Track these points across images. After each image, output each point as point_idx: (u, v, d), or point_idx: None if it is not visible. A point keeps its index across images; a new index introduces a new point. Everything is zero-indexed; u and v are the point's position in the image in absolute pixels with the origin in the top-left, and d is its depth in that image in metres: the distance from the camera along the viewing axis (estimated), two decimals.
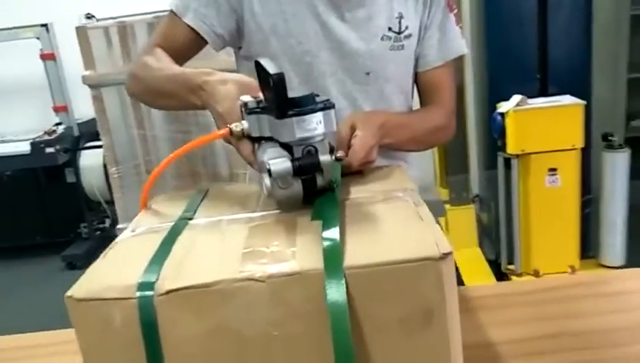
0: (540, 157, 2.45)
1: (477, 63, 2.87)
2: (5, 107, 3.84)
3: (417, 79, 1.11)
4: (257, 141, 0.75)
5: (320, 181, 0.69)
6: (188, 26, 1.03)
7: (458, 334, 0.59)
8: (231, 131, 0.75)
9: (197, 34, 1.04)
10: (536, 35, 2.63)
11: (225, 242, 0.64)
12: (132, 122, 2.63)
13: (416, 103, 1.15)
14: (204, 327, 0.55)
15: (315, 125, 0.68)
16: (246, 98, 0.76)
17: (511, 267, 2.66)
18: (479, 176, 3.12)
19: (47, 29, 3.54)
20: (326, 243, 0.57)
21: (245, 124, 0.74)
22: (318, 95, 0.72)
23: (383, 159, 1.07)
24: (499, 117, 2.46)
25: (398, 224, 0.63)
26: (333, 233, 0.59)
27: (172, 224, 0.71)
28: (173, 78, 0.93)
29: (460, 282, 2.65)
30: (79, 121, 3.58)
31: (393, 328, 0.55)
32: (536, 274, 2.57)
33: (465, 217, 2.98)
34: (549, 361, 0.88)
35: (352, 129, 0.89)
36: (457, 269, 2.75)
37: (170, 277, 0.57)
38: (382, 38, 1.02)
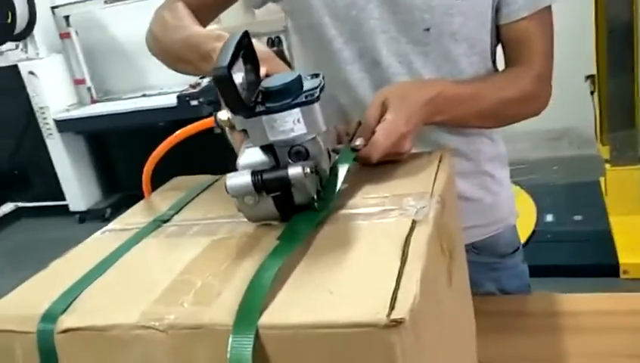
0: None
1: None
2: (156, 62, 4.06)
3: (499, 34, 0.85)
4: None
5: (298, 196, 0.53)
6: None
7: None
8: (216, 121, 0.62)
9: None
10: None
11: (168, 263, 0.52)
12: None
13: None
14: None
15: (291, 124, 0.53)
16: (239, 79, 0.59)
17: None
18: None
19: None
20: (250, 289, 0.43)
21: (229, 113, 0.60)
22: (317, 74, 0.57)
23: (451, 136, 0.87)
24: None
25: (366, 262, 0.46)
26: (267, 275, 0.44)
27: (142, 227, 0.62)
28: (186, 41, 0.80)
29: (614, 257, 2.28)
30: None
31: None
32: None
33: (629, 179, 2.53)
34: None
35: (383, 109, 0.69)
36: (611, 242, 2.37)
37: (77, 311, 0.48)
38: None
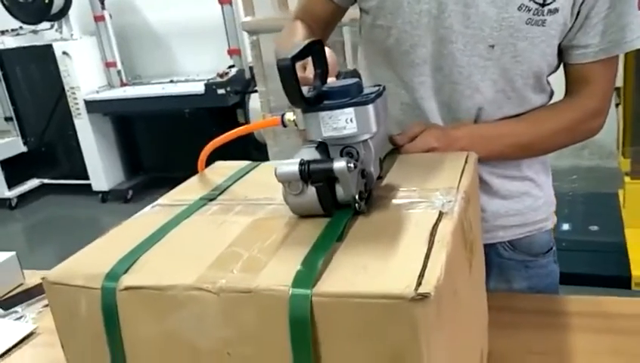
0: None
1: None
2: (186, 49, 4.15)
3: (565, 68, 0.90)
4: None
5: (340, 192, 0.57)
6: None
7: None
8: (283, 121, 0.67)
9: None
10: None
11: (215, 236, 0.58)
12: None
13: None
14: (160, 330, 0.52)
15: (344, 122, 0.57)
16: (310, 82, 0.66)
17: None
18: None
19: None
20: (304, 263, 0.49)
21: (295, 114, 0.64)
22: (379, 85, 0.61)
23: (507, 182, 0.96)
24: None
25: (397, 246, 0.51)
26: (318, 254, 0.50)
27: (191, 203, 0.68)
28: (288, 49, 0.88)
29: (627, 269, 2.31)
30: (252, 64, 3.73)
31: None
32: None
33: None
34: None
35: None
36: (625, 254, 2.40)
37: (137, 272, 0.54)
38: (520, 8, 0.82)
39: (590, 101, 0.89)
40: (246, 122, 3.72)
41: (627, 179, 2.60)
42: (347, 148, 0.59)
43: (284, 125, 0.68)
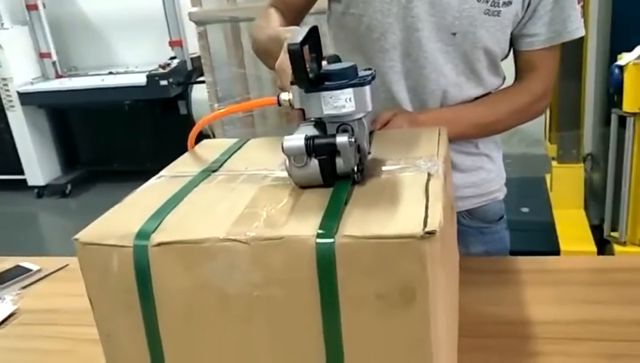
0: None
1: (602, 6, 2.60)
2: (127, 40, 4.09)
3: (515, 54, 1.03)
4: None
5: (340, 164, 0.64)
6: None
7: (445, 318, 0.56)
8: (278, 101, 0.73)
9: None
10: None
11: (230, 200, 0.65)
12: (234, 60, 2.69)
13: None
14: (192, 281, 0.58)
15: (343, 102, 0.64)
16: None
17: (614, 234, 2.46)
18: (593, 133, 2.88)
19: None
20: (323, 219, 0.56)
21: (290, 94, 0.71)
22: (370, 69, 0.68)
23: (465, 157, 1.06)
24: (617, 70, 2.22)
25: (398, 199, 0.60)
26: (333, 212, 0.57)
27: (195, 174, 0.74)
28: (270, 36, 0.94)
29: (555, 245, 2.51)
30: (193, 55, 3.73)
31: (371, 303, 0.54)
32: None
33: (572, 176, 2.77)
34: (581, 348, 0.82)
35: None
36: (554, 232, 2.61)
37: (166, 230, 0.59)
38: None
39: (538, 84, 1.02)
40: (189, 113, 3.72)
41: (554, 164, 2.82)
42: (343, 125, 0.66)
43: (279, 105, 0.75)
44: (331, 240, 0.54)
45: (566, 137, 2.75)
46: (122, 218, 0.64)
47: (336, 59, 0.80)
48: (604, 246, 2.52)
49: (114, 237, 0.59)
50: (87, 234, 0.61)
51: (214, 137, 2.92)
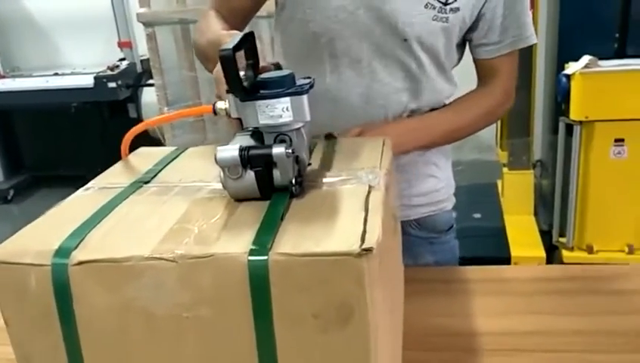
0: (606, 126, 2.26)
1: (550, 16, 2.65)
2: (74, 40, 3.96)
3: (476, 62, 1.04)
4: None
5: (277, 176, 0.61)
6: None
7: (386, 334, 0.54)
8: (214, 109, 0.70)
9: None
10: None
11: (160, 215, 0.61)
12: (184, 63, 2.63)
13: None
14: (115, 301, 0.54)
15: (280, 111, 0.61)
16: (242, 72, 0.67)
17: (562, 240, 2.52)
18: (542, 141, 2.93)
19: None
20: (256, 236, 0.53)
21: (226, 103, 0.68)
22: (308, 77, 0.65)
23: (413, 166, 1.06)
24: (564, 79, 2.27)
25: (336, 213, 0.57)
26: (267, 228, 0.55)
27: (125, 186, 0.69)
28: (210, 41, 0.90)
29: (506, 251, 2.55)
30: (143, 58, 3.64)
31: (307, 322, 0.51)
32: (589, 250, 2.42)
33: (522, 183, 2.82)
34: (526, 360, 0.81)
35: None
36: (505, 238, 2.64)
37: (88, 247, 0.55)
38: (426, 6, 0.93)
39: (501, 88, 1.04)
40: (139, 116, 3.62)
41: (505, 170, 2.86)
42: (281, 135, 0.63)
43: (215, 114, 0.72)
44: (264, 258, 0.51)
45: (516, 144, 2.80)
46: (41, 234, 0.59)
47: (277, 67, 0.77)
48: (553, 252, 2.57)
49: (31, 255, 0.55)
50: (1, 251, 0.56)
51: (164, 141, 2.85)
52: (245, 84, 0.63)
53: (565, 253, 2.48)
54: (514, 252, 2.53)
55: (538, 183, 2.90)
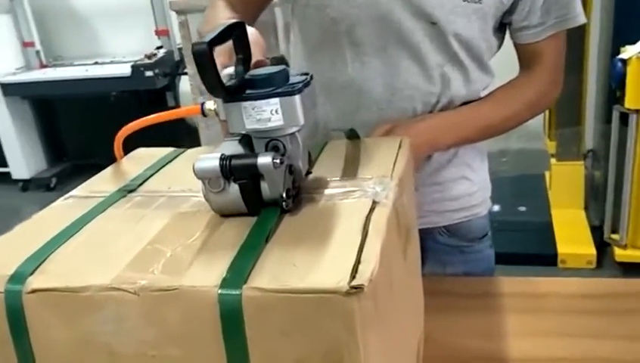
0: None
1: None
2: (112, 29, 3.97)
3: (518, 48, 0.93)
4: None
5: (266, 190, 0.53)
6: None
7: None
8: (203, 110, 0.62)
9: None
10: None
11: (134, 233, 0.54)
12: None
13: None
14: (74, 335, 0.47)
15: (268, 114, 0.52)
16: (228, 70, 0.59)
17: (615, 237, 2.35)
18: (594, 130, 2.75)
19: None
20: (232, 264, 0.45)
21: (216, 103, 0.59)
22: (307, 74, 0.56)
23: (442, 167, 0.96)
24: (620, 64, 2.10)
25: (329, 237, 0.48)
26: (246, 255, 0.47)
27: (106, 195, 0.63)
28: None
29: (553, 248, 2.40)
30: (181, 46, 3.60)
31: None
32: None
33: (572, 175, 2.66)
34: None
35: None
36: (552, 233, 2.49)
37: (46, 272, 0.49)
38: None
39: (547, 75, 0.93)
40: (177, 105, 3.60)
41: (553, 161, 2.71)
42: (273, 141, 0.54)
43: (204, 115, 0.64)
44: (237, 292, 0.43)
45: (566, 133, 2.64)
46: (1, 254, 0.53)
47: (280, 61, 0.69)
48: (604, 249, 2.41)
49: None
50: None
51: (197, 130, 2.81)
52: (231, 82, 0.55)
53: (618, 251, 2.32)
54: (561, 249, 2.39)
55: (589, 175, 2.72)
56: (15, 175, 3.98)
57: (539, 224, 2.60)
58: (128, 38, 3.86)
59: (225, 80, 0.58)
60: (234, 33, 0.57)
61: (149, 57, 3.44)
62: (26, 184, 3.98)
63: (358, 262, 0.43)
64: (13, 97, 3.79)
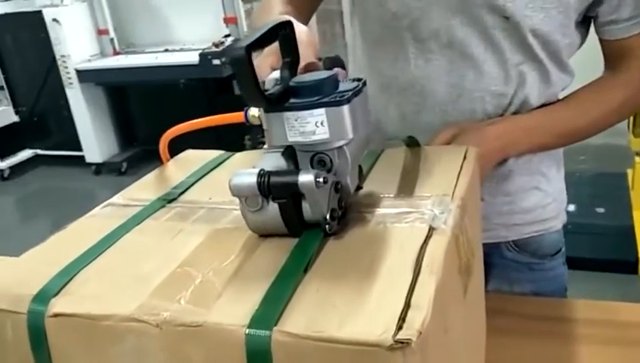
0: None
1: None
2: (182, 16, 4.00)
3: (603, 44, 0.83)
4: None
5: (307, 210, 0.47)
6: None
7: None
8: (246, 117, 0.58)
9: None
10: None
11: (167, 252, 0.50)
12: None
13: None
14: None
15: (313, 126, 0.47)
16: (274, 74, 0.55)
17: None
18: None
19: None
20: (264, 299, 0.40)
21: (260, 110, 0.55)
22: (359, 80, 0.50)
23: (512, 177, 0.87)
24: None
25: (375, 274, 0.42)
26: (281, 289, 0.41)
27: (147, 204, 0.59)
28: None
29: (633, 254, 2.23)
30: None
31: None
32: None
33: None
34: None
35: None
36: (633, 238, 2.32)
37: (70, 294, 0.46)
38: None
39: (637, 75, 0.82)
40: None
41: (637, 159, 2.51)
42: (318, 155, 0.49)
43: (248, 122, 0.59)
44: (266, 334, 0.38)
45: None
46: (27, 270, 0.50)
47: (336, 62, 0.62)
48: None
49: (7, 299, 0.46)
50: None
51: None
52: (275, 89, 0.50)
53: None
54: None
55: None
56: (89, 159, 4.12)
57: (618, 228, 2.41)
58: (198, 25, 3.88)
59: (269, 85, 0.53)
60: (281, 33, 0.51)
61: (217, 45, 3.44)
62: (99, 168, 4.12)
63: (407, 306, 0.37)
64: (87, 84, 3.92)
